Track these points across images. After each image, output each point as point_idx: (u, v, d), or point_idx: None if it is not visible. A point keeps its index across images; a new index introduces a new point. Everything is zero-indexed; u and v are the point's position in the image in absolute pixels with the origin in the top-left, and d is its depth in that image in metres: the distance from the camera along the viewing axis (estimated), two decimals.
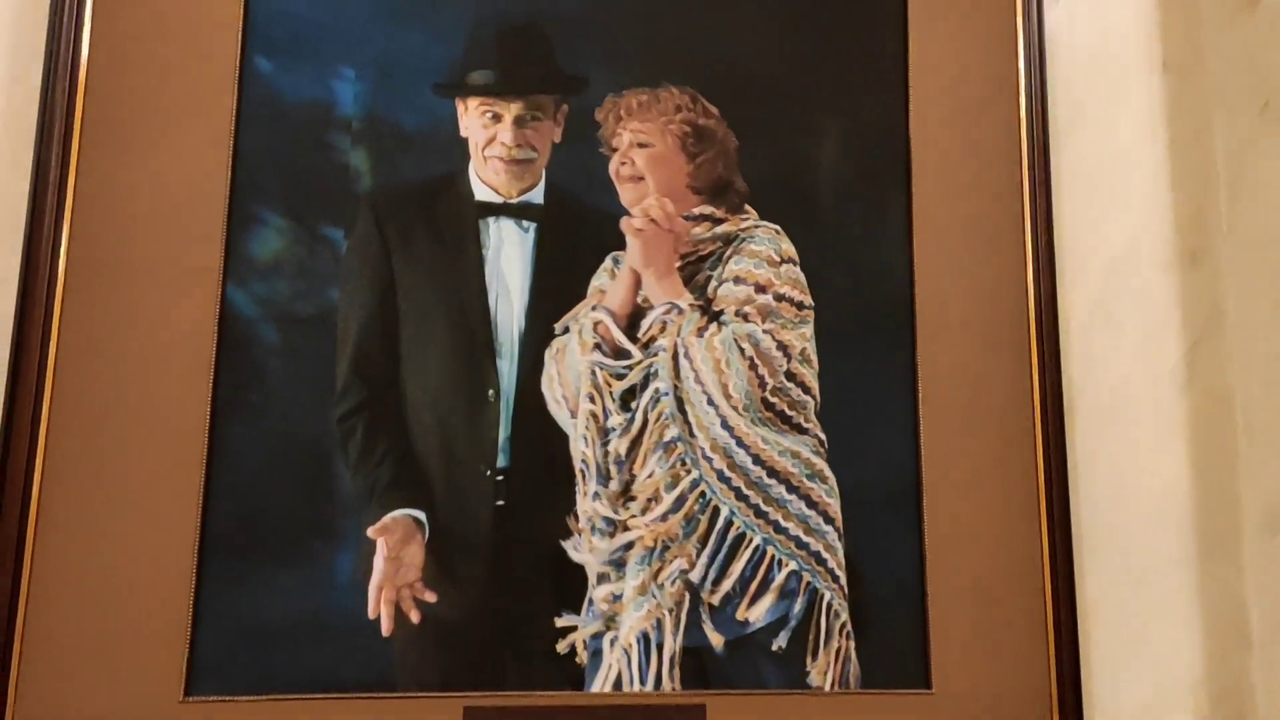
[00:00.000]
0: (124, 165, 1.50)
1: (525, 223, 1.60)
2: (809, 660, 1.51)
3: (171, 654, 1.39)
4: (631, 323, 1.58)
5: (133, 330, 1.47)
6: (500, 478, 1.52)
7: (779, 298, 1.60)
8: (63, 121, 1.47)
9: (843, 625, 1.54)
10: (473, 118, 1.62)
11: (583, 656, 1.48)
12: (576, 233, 1.60)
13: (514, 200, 1.60)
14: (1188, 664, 1.33)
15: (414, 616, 1.47)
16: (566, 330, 1.57)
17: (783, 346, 1.59)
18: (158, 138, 1.51)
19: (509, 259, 1.58)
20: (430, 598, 1.48)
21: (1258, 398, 1.21)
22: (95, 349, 1.46)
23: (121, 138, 1.50)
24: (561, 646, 1.48)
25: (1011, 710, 1.52)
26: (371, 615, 1.46)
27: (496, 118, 1.61)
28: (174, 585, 1.41)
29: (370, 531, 1.48)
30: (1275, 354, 1.18)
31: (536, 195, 1.61)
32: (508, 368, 1.55)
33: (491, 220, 1.59)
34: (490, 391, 1.54)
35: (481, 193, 1.60)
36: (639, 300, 1.59)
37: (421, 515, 1.49)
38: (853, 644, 1.53)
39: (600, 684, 1.48)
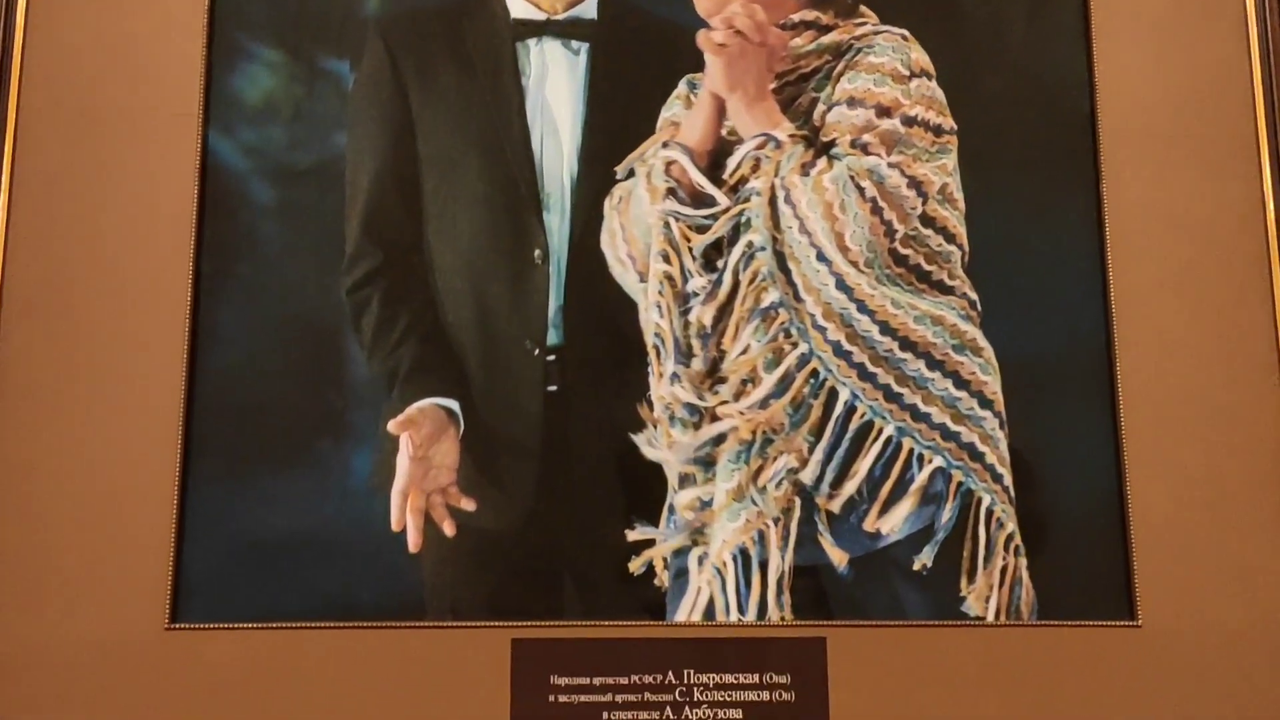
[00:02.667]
0: None
1: (574, 43, 1.47)
2: (964, 583, 1.34)
3: (153, 575, 1.30)
4: (715, 162, 1.44)
5: (96, 190, 1.40)
6: (551, 358, 1.39)
7: (909, 121, 1.43)
8: None
9: (1009, 538, 1.35)
10: None
11: (663, 578, 1.34)
12: (640, 53, 1.47)
13: (560, 16, 1.48)
14: None
15: (448, 529, 1.35)
16: (631, 174, 1.44)
17: (916, 183, 1.42)
18: None
19: (555, 89, 1.46)
20: (467, 506, 1.36)
21: None
22: (52, 213, 1.39)
23: None
24: (635, 566, 1.34)
25: (1248, 651, 1.32)
26: (395, 528, 1.35)
27: None
28: (155, 495, 1.32)
29: (391, 426, 1.37)
30: None
31: (588, 8, 1.48)
32: (558, 223, 1.42)
33: (532, 42, 1.47)
34: (536, 252, 1.41)
35: (518, 9, 1.48)
36: (723, 133, 1.45)
37: (454, 405, 1.38)
38: (1024, 563, 1.35)
39: (686, 612, 1.33)
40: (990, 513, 1.35)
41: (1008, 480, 1.36)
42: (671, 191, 1.42)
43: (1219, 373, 1.39)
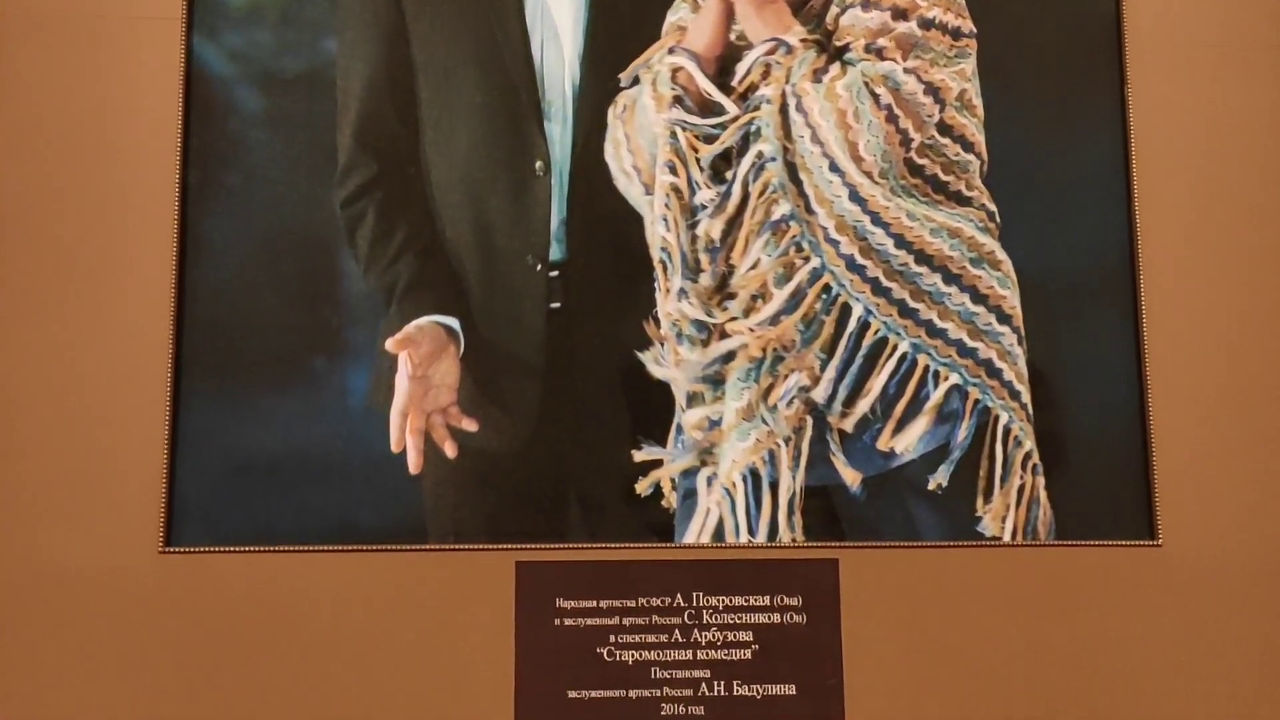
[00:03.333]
0: None
1: None
2: (980, 503, 1.31)
3: (145, 498, 1.27)
4: (723, 68, 1.38)
5: (78, 99, 1.33)
6: (554, 273, 1.34)
7: (926, 24, 1.37)
8: None
9: (1027, 457, 1.32)
10: None
11: (670, 499, 1.30)
12: None
13: None
14: None
15: (449, 450, 1.31)
16: (636, 81, 1.37)
17: (933, 89, 1.36)
18: None
19: None
20: (469, 426, 1.31)
21: None
22: (33, 123, 1.33)
23: None
24: (642, 487, 1.31)
25: (1271, 571, 1.28)
26: (394, 449, 1.31)
27: None
28: (145, 415, 1.28)
29: (389, 344, 1.32)
30: None
31: None
32: (559, 133, 1.36)
33: None
34: (538, 163, 1.36)
35: None
36: (732, 38, 1.39)
37: (454, 323, 1.33)
38: (1042, 482, 1.31)
39: (695, 534, 1.30)
40: (1008, 431, 1.32)
41: (1026, 397, 1.32)
42: (678, 100, 1.36)
43: (1246, 287, 1.34)
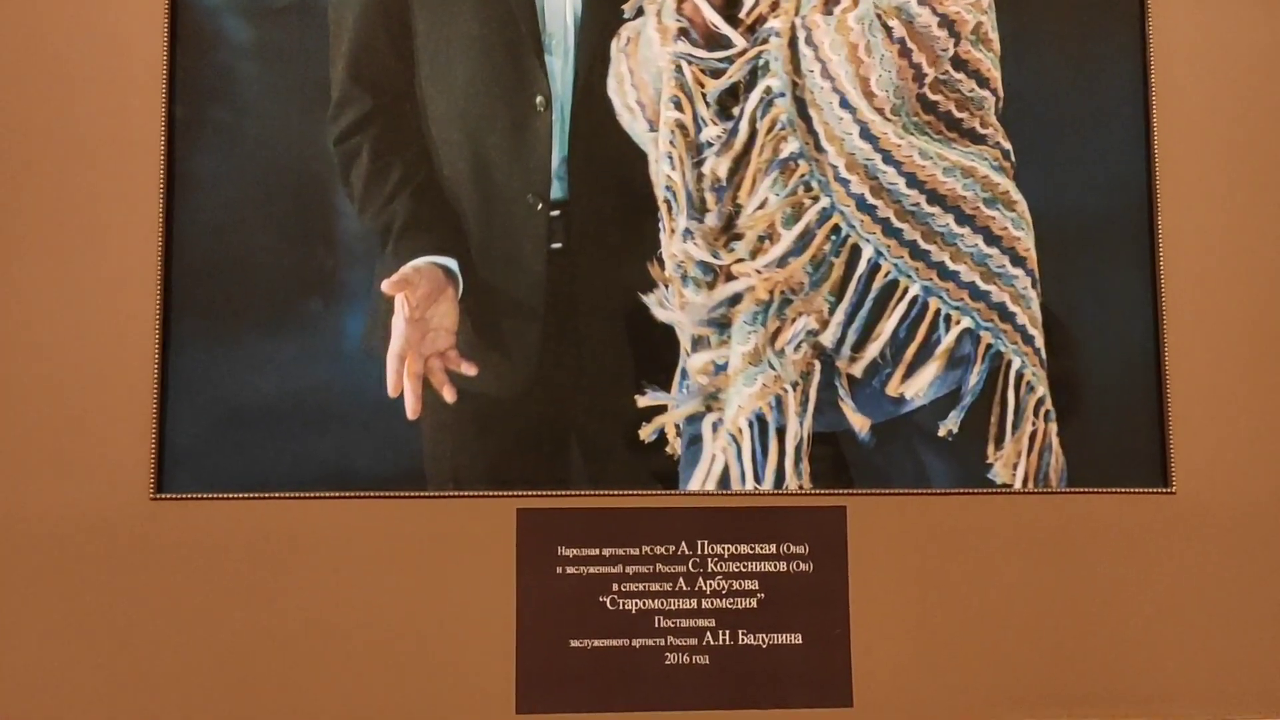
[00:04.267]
0: None
1: None
2: (991, 449, 1.28)
3: (137, 443, 1.24)
4: None
5: (60, 31, 1.28)
6: (556, 212, 1.30)
7: None
8: None
9: (1040, 402, 1.29)
10: None
11: (675, 446, 1.27)
12: None
13: None
14: None
15: (447, 394, 1.28)
16: (640, 13, 1.33)
17: (948, 22, 1.31)
18: None
19: None
20: (469, 370, 1.28)
21: None
22: (13, 55, 1.28)
23: None
24: (645, 433, 1.28)
25: None
26: (391, 393, 1.28)
27: None
28: (135, 358, 1.25)
29: (386, 286, 1.29)
30: None
31: None
32: (560, 66, 1.31)
33: None
34: (539, 99, 1.31)
35: None
36: None
37: (453, 264, 1.29)
38: (1054, 428, 1.28)
39: (700, 480, 1.27)
40: (1020, 376, 1.29)
41: (1039, 342, 1.29)
42: (684, 32, 1.31)
43: (1267, 231, 1.30)
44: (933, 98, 1.32)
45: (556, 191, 1.32)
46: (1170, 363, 1.30)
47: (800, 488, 1.28)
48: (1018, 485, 1.29)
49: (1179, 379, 1.30)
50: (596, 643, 1.24)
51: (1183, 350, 1.30)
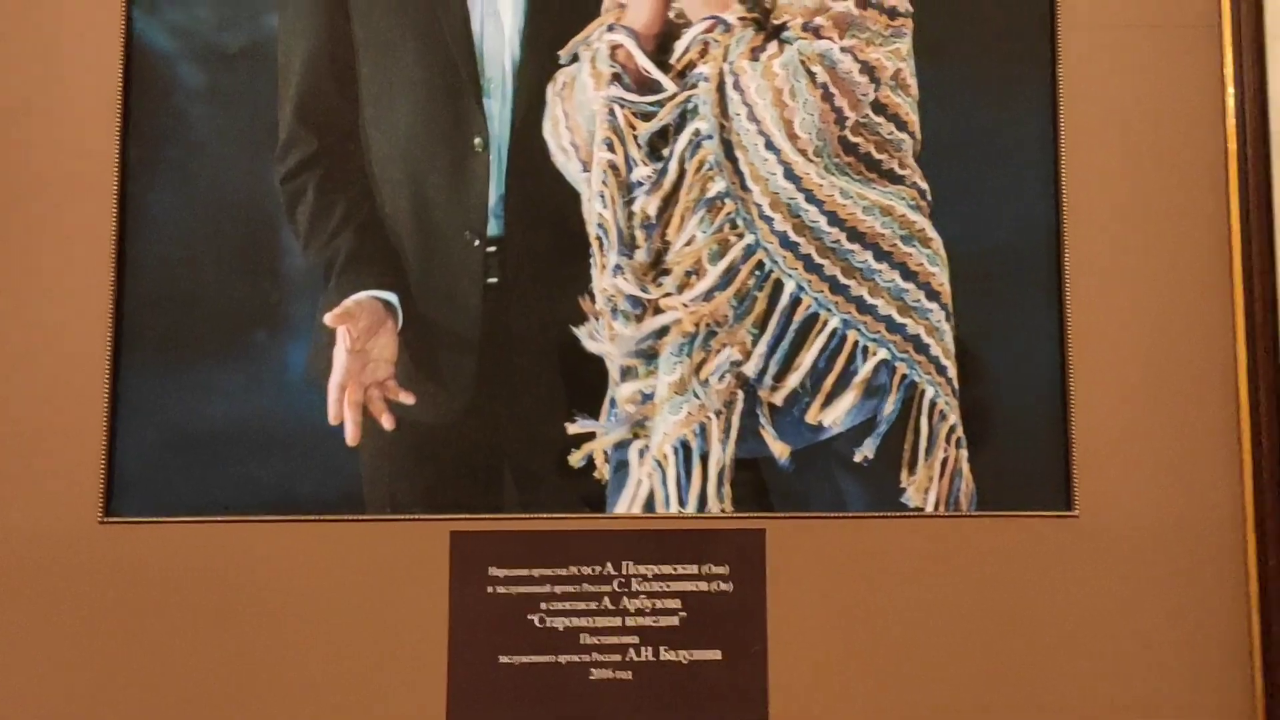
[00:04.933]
0: None
1: None
2: (904, 475, 1.35)
3: (86, 468, 1.30)
4: (662, 45, 1.40)
5: (17, 75, 1.35)
6: (492, 249, 1.37)
7: (863, 4, 1.40)
8: None
9: (951, 430, 1.35)
10: None
11: (603, 471, 1.34)
12: None
13: None
14: None
15: (386, 422, 1.34)
16: (575, 58, 1.40)
17: (868, 69, 1.38)
18: None
19: None
20: (406, 399, 1.34)
21: None
22: None
23: None
24: (575, 459, 1.34)
25: (1191, 542, 1.34)
26: (332, 421, 1.34)
27: None
28: (86, 386, 1.31)
29: (328, 319, 1.35)
30: None
31: None
32: (498, 109, 1.38)
33: None
34: (477, 140, 1.38)
35: None
36: (671, 16, 1.41)
37: (393, 298, 1.36)
38: (965, 455, 1.35)
39: (626, 505, 1.33)
40: (933, 405, 1.35)
41: (952, 372, 1.36)
42: (616, 77, 1.38)
43: (1168, 268, 1.38)
44: (853, 140, 1.39)
45: (493, 229, 1.39)
46: (1075, 392, 1.37)
47: (722, 511, 1.34)
48: (929, 509, 1.35)
49: (1082, 408, 1.36)
50: (525, 659, 1.30)
51: (1087, 380, 1.37)
